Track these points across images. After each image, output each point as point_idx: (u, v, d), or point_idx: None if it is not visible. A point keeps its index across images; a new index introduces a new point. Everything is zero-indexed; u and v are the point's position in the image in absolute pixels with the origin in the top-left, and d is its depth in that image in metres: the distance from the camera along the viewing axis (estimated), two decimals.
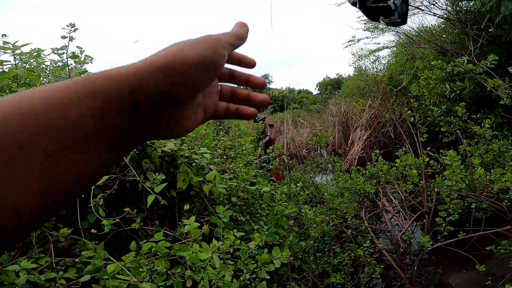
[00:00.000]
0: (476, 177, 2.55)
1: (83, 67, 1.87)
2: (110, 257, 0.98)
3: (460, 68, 2.74)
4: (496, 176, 2.44)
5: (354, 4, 0.41)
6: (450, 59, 4.73)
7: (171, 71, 0.25)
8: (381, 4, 0.42)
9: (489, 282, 2.15)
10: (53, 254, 1.02)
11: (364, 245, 2.35)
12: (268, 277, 1.36)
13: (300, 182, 2.88)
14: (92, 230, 1.11)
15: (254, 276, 1.37)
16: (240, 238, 1.45)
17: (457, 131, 2.96)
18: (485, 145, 3.01)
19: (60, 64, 1.82)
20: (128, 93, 0.23)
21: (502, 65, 4.00)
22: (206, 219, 1.47)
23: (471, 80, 4.21)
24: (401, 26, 7.76)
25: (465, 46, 4.91)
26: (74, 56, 1.76)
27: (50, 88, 0.22)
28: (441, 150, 3.03)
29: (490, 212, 2.65)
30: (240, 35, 0.32)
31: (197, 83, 0.27)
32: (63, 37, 1.66)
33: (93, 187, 1.14)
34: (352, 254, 2.34)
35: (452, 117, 3.08)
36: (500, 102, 2.76)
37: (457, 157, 1.91)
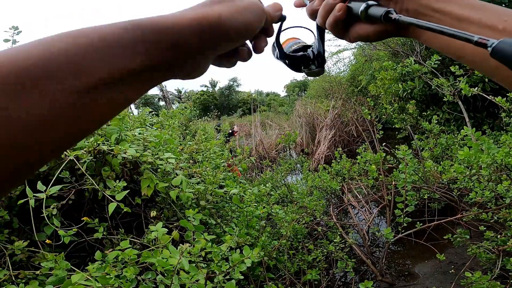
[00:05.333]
0: (427, 169, 2.77)
1: None
2: (73, 267, 0.94)
3: (408, 69, 2.99)
4: (445, 168, 2.68)
5: (277, 58, 0.44)
6: (401, 60, 5.11)
7: (221, 32, 0.29)
8: (300, 53, 0.45)
9: (452, 270, 2.28)
10: (10, 267, 0.95)
11: (335, 240, 2.42)
12: (241, 277, 1.38)
13: (269, 183, 2.93)
14: (47, 241, 1.05)
15: (228, 277, 1.38)
16: (211, 241, 1.45)
17: (408, 127, 3.21)
18: (434, 139, 3.29)
19: None
20: (185, 45, 0.27)
21: (447, 65, 4.42)
22: (175, 224, 1.45)
23: (420, 80, 4.59)
24: None
25: (413, 47, 5.35)
26: None
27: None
28: (396, 146, 3.27)
29: (444, 202, 2.88)
30: (274, 17, 0.38)
31: (234, 43, 0.32)
32: (6, 41, 1.57)
33: (44, 198, 1.09)
34: (325, 250, 2.41)
35: (404, 114, 3.34)
36: (445, 99, 3.05)
37: (409, 151, 2.07)
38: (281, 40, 0.53)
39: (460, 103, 2.93)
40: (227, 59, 0.36)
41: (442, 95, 3.49)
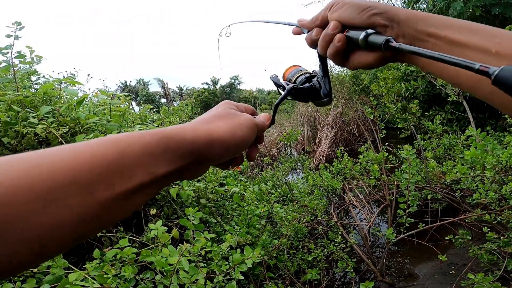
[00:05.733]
0: (430, 169, 2.75)
1: (33, 67, 1.76)
2: (71, 266, 0.92)
3: (412, 67, 2.96)
4: (448, 168, 2.65)
5: (284, 96, 0.43)
6: None
7: (224, 145, 0.35)
8: (306, 84, 0.44)
9: (452, 271, 2.27)
10: None
11: (336, 240, 2.41)
12: (242, 277, 1.36)
13: (270, 181, 2.91)
14: None
15: (228, 277, 1.36)
16: (211, 240, 1.43)
17: (412, 126, 3.19)
18: (437, 139, 3.26)
19: (4, 64, 1.70)
20: (197, 155, 0.33)
21: None
22: (175, 222, 1.43)
23: (423, 80, 4.56)
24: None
25: None
26: (20, 56, 1.65)
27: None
28: (398, 146, 3.24)
29: (445, 203, 2.86)
30: (265, 126, 0.44)
31: (236, 153, 0.38)
32: (8, 36, 1.55)
33: None
34: (325, 250, 2.39)
35: (407, 114, 3.31)
36: (449, 99, 3.03)
37: (412, 151, 2.05)
38: (284, 69, 0.55)
39: (464, 103, 2.90)
40: (224, 165, 0.41)
41: (446, 95, 3.46)
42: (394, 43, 0.37)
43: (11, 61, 1.64)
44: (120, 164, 0.25)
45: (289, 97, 0.52)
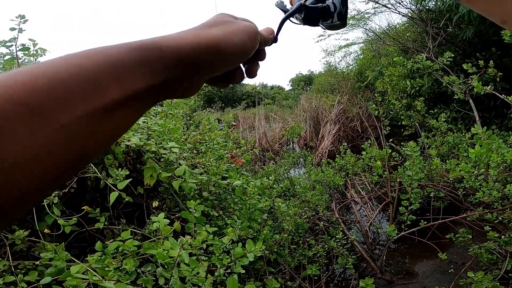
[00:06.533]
0: (434, 167, 2.74)
1: (37, 60, 1.77)
2: (73, 258, 0.92)
3: (419, 65, 2.92)
4: (451, 166, 2.64)
5: (292, 12, 0.38)
6: (411, 57, 5.03)
7: (218, 53, 0.31)
8: (320, 4, 0.39)
9: (451, 270, 2.28)
10: (10, 258, 0.94)
11: (337, 236, 2.42)
12: (243, 271, 1.37)
13: (272, 176, 2.91)
14: (46, 231, 1.04)
15: (229, 271, 1.37)
16: (213, 233, 1.44)
17: (416, 124, 3.16)
18: (441, 137, 3.24)
19: (8, 57, 1.72)
20: (185, 65, 0.29)
21: (458, 63, 4.33)
22: (177, 215, 1.43)
23: (429, 77, 4.50)
24: (369, 24, 8.07)
25: (425, 44, 5.23)
26: (24, 48, 1.66)
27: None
28: (402, 143, 3.22)
29: (447, 201, 2.86)
30: (268, 39, 0.40)
31: (230, 65, 0.33)
32: (12, 29, 1.57)
33: None
34: (326, 246, 2.40)
35: (412, 111, 3.28)
36: (455, 97, 2.99)
37: (417, 147, 2.03)
38: None
39: (471, 101, 2.87)
40: (221, 81, 0.37)
41: (452, 93, 3.43)
42: None
43: (15, 54, 1.65)
44: (93, 79, 0.23)
45: (297, 22, 0.45)
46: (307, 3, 0.45)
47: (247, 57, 0.35)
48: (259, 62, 0.41)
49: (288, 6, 0.47)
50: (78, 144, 0.22)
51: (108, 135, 0.24)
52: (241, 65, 0.39)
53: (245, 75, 0.39)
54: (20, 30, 1.60)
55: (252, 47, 0.35)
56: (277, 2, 0.48)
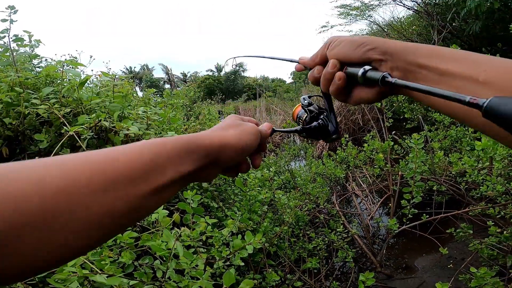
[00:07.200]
0: (436, 160, 2.71)
1: (34, 51, 1.77)
2: None
3: None
4: (454, 160, 2.61)
5: (289, 131, 0.44)
6: None
7: (233, 148, 0.40)
8: (314, 123, 0.44)
9: (451, 265, 2.27)
10: None
11: (337, 230, 2.40)
12: (242, 263, 1.35)
13: (273, 167, 2.89)
14: None
15: (228, 263, 1.35)
16: (213, 225, 1.42)
17: (419, 117, 3.13)
18: (444, 131, 3.21)
19: (1, 49, 1.72)
20: (212, 157, 0.38)
21: None
22: (176, 206, 1.41)
23: None
24: (374, 17, 7.95)
25: (430, 38, 5.14)
26: (18, 39, 1.65)
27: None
28: (404, 136, 3.18)
29: (448, 196, 2.84)
30: (267, 134, 0.50)
31: (239, 158, 0.43)
32: (3, 20, 1.57)
33: None
34: (326, 239, 2.39)
35: (414, 104, 3.24)
36: None
37: (421, 139, 2.00)
38: (294, 108, 0.59)
39: None
40: (232, 171, 0.46)
41: None
42: (389, 79, 0.39)
43: (9, 45, 1.65)
44: (156, 163, 0.30)
45: (302, 134, 0.56)
46: (304, 117, 0.56)
47: (252, 151, 0.45)
48: (262, 155, 0.51)
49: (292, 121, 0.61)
50: (135, 216, 0.29)
51: (158, 204, 0.31)
52: (247, 157, 0.48)
53: (250, 166, 0.49)
54: (11, 21, 1.59)
55: (255, 143, 0.45)
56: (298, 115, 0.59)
